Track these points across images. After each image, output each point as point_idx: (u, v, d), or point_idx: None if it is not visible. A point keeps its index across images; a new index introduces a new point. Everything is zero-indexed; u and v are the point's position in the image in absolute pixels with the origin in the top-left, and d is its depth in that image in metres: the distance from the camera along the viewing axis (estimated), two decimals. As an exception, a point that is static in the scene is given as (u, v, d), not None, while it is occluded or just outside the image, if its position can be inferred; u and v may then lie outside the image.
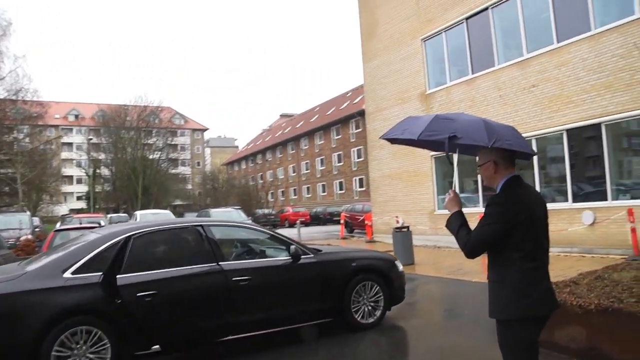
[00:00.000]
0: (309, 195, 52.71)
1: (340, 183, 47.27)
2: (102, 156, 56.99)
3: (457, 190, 2.88)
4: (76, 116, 76.37)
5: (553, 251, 11.53)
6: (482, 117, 2.90)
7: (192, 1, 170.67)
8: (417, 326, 6.43)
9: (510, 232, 2.54)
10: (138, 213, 22.26)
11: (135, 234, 5.03)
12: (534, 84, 12.53)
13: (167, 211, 25.95)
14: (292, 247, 5.60)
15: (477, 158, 2.84)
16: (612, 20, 10.71)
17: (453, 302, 7.85)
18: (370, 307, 5.96)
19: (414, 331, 6.21)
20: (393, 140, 3.14)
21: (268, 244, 6.00)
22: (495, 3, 13.63)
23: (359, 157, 44.04)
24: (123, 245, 5.00)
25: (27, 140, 38.99)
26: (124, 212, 41.34)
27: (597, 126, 11.05)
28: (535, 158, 12.37)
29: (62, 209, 55.22)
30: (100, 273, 4.69)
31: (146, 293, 4.66)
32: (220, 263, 5.08)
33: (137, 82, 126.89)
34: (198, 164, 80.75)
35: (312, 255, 5.76)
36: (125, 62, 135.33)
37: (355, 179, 44.73)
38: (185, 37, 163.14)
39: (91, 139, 53.33)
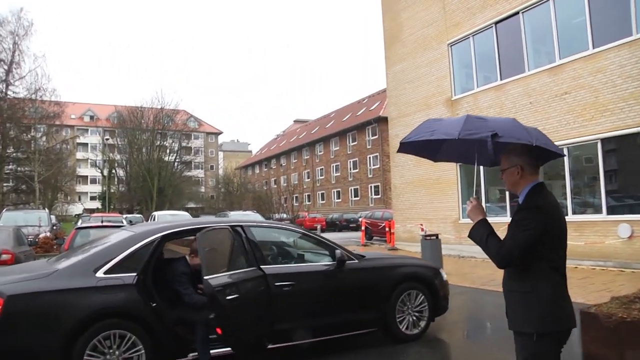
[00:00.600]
0: (324, 202, 52.36)
1: (356, 190, 46.87)
2: (117, 157, 57.23)
3: (480, 198, 2.69)
4: (92, 117, 77.09)
5: (587, 264, 11.13)
6: (509, 117, 2.77)
7: (192, 1, 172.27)
8: (462, 340, 6.11)
9: (541, 240, 2.42)
10: (156, 214, 22.09)
11: (206, 228, 4.57)
12: (566, 91, 12.15)
13: (185, 212, 25.78)
14: (338, 251, 5.30)
15: (501, 162, 2.70)
16: (657, 25, 10.34)
17: (494, 314, 7.41)
18: (414, 318, 5.63)
19: (460, 345, 5.89)
20: (404, 148, 3.03)
21: (310, 248, 5.71)
22: (526, 7, 13.29)
23: (374, 164, 43.69)
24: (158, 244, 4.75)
25: (43, 139, 39.19)
26: (138, 213, 41.36)
27: (635, 136, 10.67)
28: (567, 168, 12.00)
29: (76, 209, 55.51)
30: (135, 274, 4.42)
31: (232, 297, 4.14)
32: (261, 267, 4.78)
33: (137, 82, 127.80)
34: (211, 167, 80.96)
35: (357, 261, 5.46)
36: (125, 63, 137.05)
37: (371, 186, 44.29)
38: (185, 37, 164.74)
39: (108, 139, 53.60)
